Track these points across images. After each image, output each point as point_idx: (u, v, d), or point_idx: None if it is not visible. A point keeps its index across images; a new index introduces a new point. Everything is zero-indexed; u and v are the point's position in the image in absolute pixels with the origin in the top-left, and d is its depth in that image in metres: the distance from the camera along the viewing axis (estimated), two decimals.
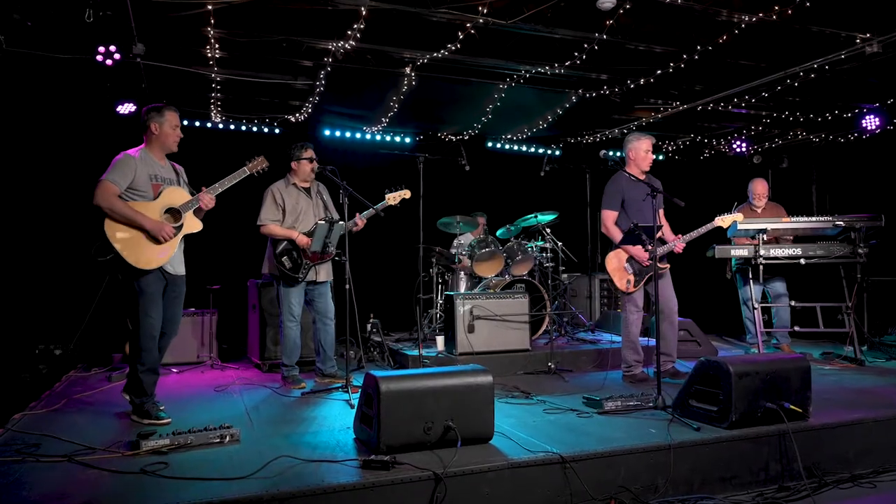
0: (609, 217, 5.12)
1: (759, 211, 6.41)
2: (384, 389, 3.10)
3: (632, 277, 5.04)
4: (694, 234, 5.06)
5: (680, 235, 5.02)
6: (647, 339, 5.57)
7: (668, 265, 5.05)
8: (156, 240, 3.83)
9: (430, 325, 6.77)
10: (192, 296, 4.21)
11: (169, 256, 3.90)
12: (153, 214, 3.85)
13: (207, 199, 4.03)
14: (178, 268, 4.05)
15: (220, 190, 4.10)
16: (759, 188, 6.43)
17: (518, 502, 3.01)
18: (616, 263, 5.11)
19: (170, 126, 4.01)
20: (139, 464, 3.03)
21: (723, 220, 5.09)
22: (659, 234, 4.84)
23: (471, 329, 5.61)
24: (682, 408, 3.81)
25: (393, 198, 5.12)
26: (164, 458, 3.11)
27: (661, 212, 5.23)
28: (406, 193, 5.19)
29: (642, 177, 4.99)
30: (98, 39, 4.91)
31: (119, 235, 3.75)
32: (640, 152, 5.08)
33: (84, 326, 4.59)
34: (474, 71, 5.94)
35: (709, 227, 5.08)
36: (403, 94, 6.39)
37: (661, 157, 9.23)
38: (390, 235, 6.95)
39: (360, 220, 5.03)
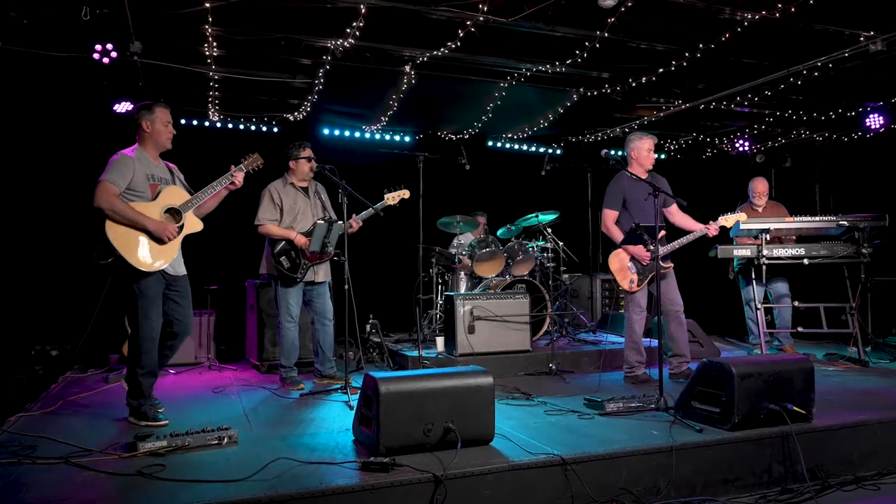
0: (609, 217, 5.09)
1: (759, 210, 6.39)
2: (383, 391, 3.08)
3: (635, 277, 5.00)
4: (720, 220, 5.01)
5: (711, 222, 4.96)
6: (648, 339, 5.53)
7: (672, 264, 5.02)
8: (159, 241, 3.79)
9: (429, 326, 6.73)
10: None
11: (171, 257, 3.87)
12: (154, 215, 3.81)
13: (241, 176, 4.07)
14: (179, 268, 4.02)
15: (243, 173, 4.15)
16: (760, 187, 6.41)
17: None
18: (619, 263, 5.08)
19: (161, 123, 3.97)
20: (136, 466, 3.00)
21: (725, 220, 5.06)
22: (663, 233, 4.79)
23: (471, 330, 5.58)
24: (684, 409, 3.78)
25: (392, 198, 5.09)
26: (162, 460, 3.08)
27: (673, 207, 5.17)
28: (405, 193, 5.15)
29: (644, 176, 4.95)
30: (95, 37, 4.88)
31: (121, 237, 3.70)
32: (642, 152, 5.05)
33: (90, 328, 4.59)
34: (474, 69, 5.90)
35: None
36: (403, 93, 6.35)
37: (663, 156, 9.19)
38: (390, 235, 6.91)
39: (356, 222, 4.98)
